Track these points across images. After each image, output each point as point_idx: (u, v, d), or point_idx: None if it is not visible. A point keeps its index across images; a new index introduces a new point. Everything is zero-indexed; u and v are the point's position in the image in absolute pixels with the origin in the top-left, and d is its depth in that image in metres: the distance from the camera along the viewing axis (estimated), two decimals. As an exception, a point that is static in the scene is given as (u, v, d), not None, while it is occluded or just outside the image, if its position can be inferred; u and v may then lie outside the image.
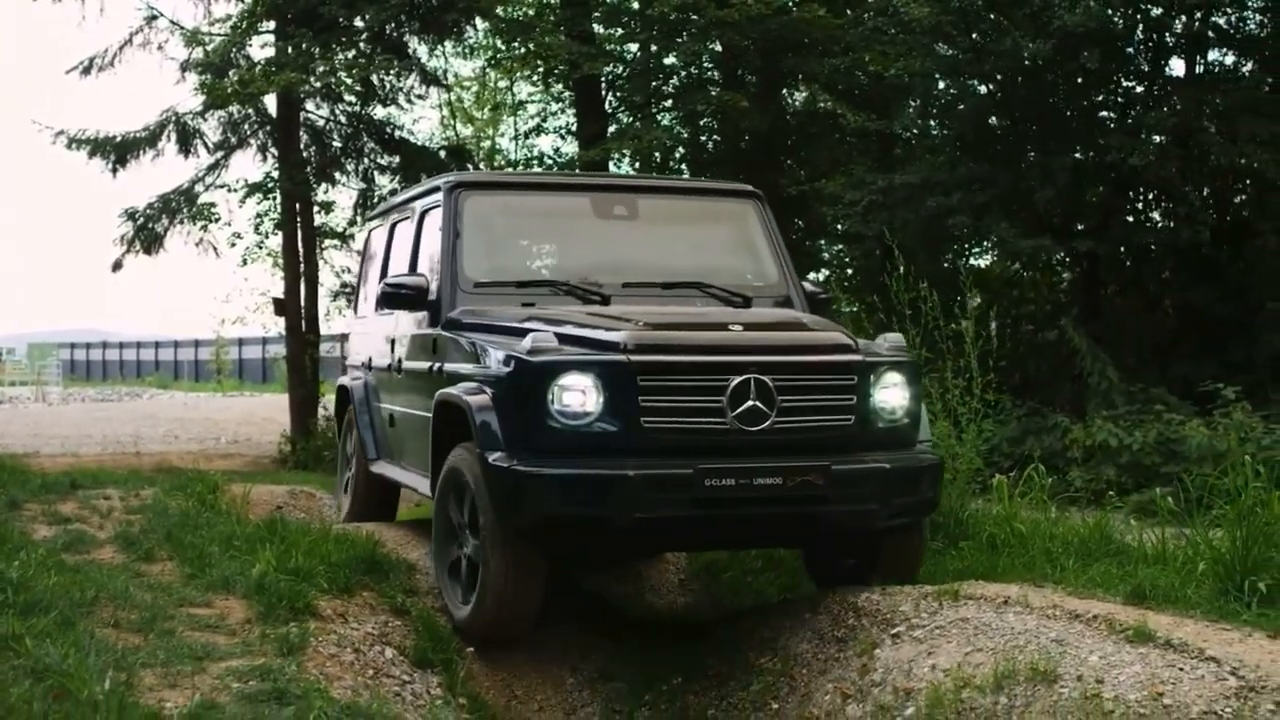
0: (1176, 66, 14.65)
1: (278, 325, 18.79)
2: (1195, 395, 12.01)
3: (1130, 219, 14.21)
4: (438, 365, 6.91)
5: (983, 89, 14.35)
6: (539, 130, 20.58)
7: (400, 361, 7.80)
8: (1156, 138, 13.41)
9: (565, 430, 5.74)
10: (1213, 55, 14.62)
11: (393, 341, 7.99)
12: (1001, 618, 5.60)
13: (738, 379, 5.83)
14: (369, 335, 8.87)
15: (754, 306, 7.12)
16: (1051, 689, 4.89)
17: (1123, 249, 14.18)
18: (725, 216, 7.82)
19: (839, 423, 6.03)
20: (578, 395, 5.74)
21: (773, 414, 5.86)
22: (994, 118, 14.53)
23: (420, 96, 18.91)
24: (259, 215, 18.39)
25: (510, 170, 9.52)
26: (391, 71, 17.45)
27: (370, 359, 8.72)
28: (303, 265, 17.81)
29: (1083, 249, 13.44)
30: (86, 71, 17.80)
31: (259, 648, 5.27)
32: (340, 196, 19.59)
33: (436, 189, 7.56)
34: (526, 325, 6.23)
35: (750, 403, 5.82)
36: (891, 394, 6.21)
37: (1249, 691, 4.64)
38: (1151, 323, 14.62)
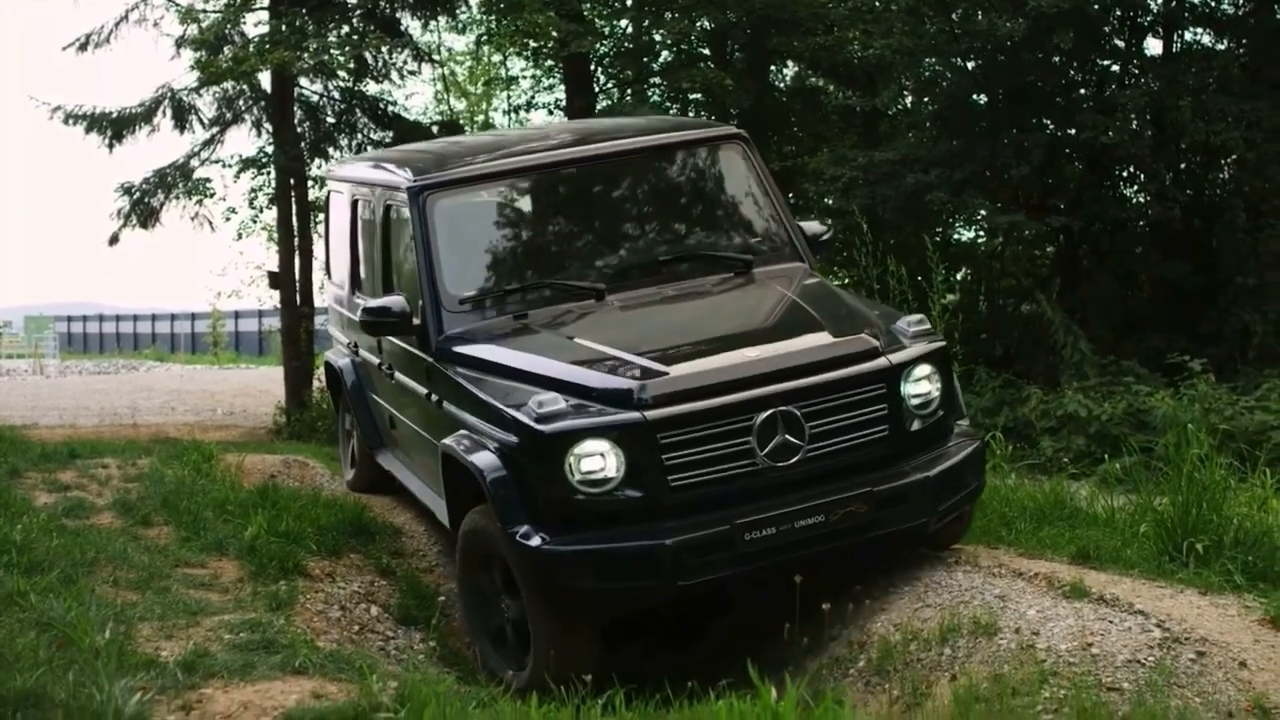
0: (1154, 46, 14.96)
1: (273, 299, 19.09)
2: (1164, 367, 12.35)
3: (1103, 196, 14.51)
4: (436, 397, 6.46)
5: (961, 68, 14.62)
6: (529, 105, 20.84)
7: (392, 369, 7.35)
8: (1131, 116, 13.72)
9: (589, 499, 5.37)
10: (1189, 35, 14.92)
11: (379, 341, 7.49)
12: (951, 575, 5.93)
13: (763, 415, 5.48)
14: (351, 319, 8.22)
15: (756, 268, 6.73)
16: (991, 640, 5.21)
17: (1097, 225, 14.48)
18: (711, 165, 7.28)
19: (875, 436, 5.68)
20: (597, 461, 5.36)
21: (804, 444, 5.52)
22: (973, 96, 14.81)
23: (413, 72, 19.12)
24: (253, 190, 18.67)
25: (472, 141, 8.90)
26: (384, 48, 17.71)
27: (356, 345, 8.30)
28: (297, 239, 18.08)
29: (1057, 225, 13.75)
30: (83, 48, 17.99)
31: (250, 604, 5.61)
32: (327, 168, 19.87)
33: (398, 188, 6.95)
34: (529, 369, 5.84)
35: (780, 437, 5.49)
36: (925, 387, 5.86)
37: (1172, 642, 4.98)
38: (1126, 297, 14.95)
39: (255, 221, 18.90)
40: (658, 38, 17.74)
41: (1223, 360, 13.10)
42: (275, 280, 18.44)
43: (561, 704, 3.85)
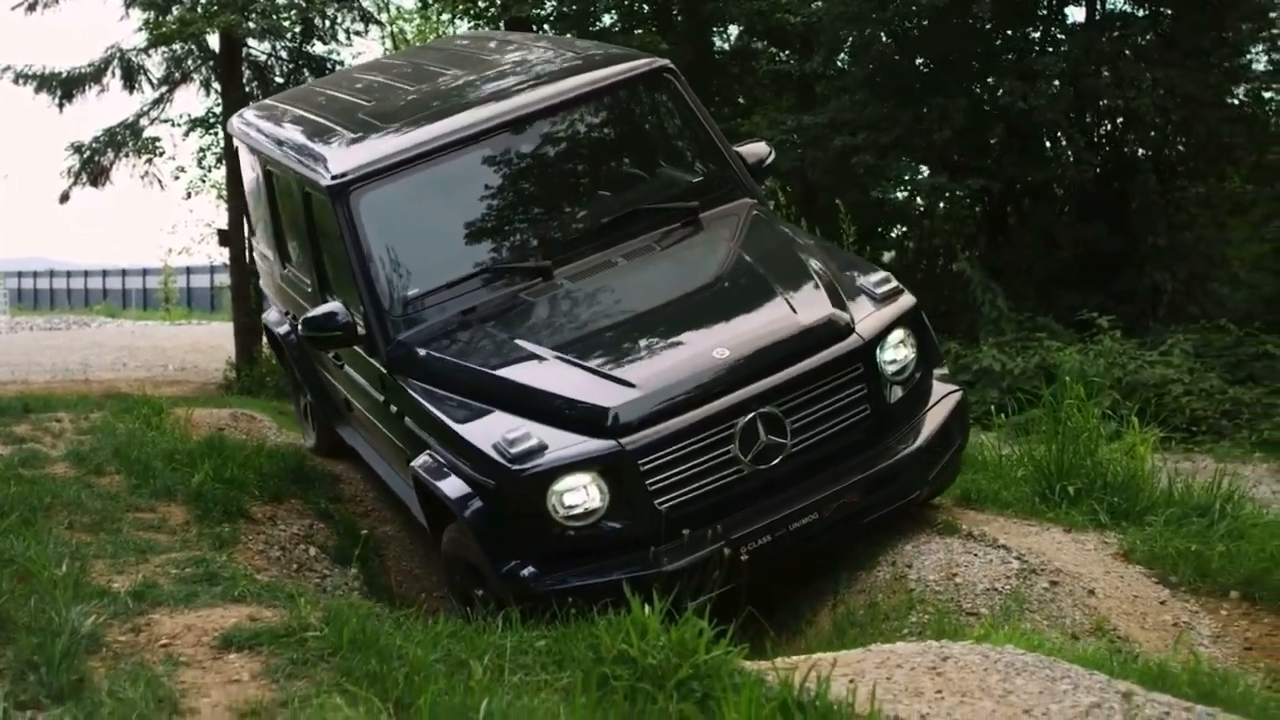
0: (1077, 14, 15.50)
1: (223, 255, 19.44)
2: (1077, 324, 12.97)
3: (1023, 159, 15.08)
4: (395, 408, 6.19)
5: (890, 33, 15.13)
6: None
7: (340, 360, 7.03)
8: (1055, 83, 14.27)
9: (574, 531, 5.18)
10: (1110, 3, 15.48)
11: None
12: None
13: (743, 420, 5.32)
14: (284, 290, 8.02)
15: (704, 213, 6.45)
16: (870, 573, 5.76)
17: (1019, 187, 15.07)
18: (643, 104, 6.90)
19: (857, 418, 5.54)
20: (580, 495, 5.18)
21: (788, 441, 5.38)
22: (899, 60, 15.32)
23: (359, 33, 19.47)
24: (202, 150, 18.95)
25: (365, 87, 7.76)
26: (330, 10, 18.03)
27: (294, 316, 7.72)
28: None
29: (976, 186, 14.31)
30: (31, 8, 18.22)
31: (195, 544, 6.07)
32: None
33: (318, 184, 6.43)
34: (489, 386, 5.60)
35: (762, 440, 5.35)
36: (901, 352, 5.71)
37: (1029, 573, 5.54)
38: (1047, 256, 15.55)
39: (204, 180, 19.20)
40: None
41: (1136, 317, 13.76)
42: (224, 238, 18.78)
43: (467, 623, 4.36)
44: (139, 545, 5.85)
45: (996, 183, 14.36)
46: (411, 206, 6.39)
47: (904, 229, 18.42)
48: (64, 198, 18.66)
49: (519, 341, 5.82)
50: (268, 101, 9.64)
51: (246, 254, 18.45)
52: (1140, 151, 14.94)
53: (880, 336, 5.62)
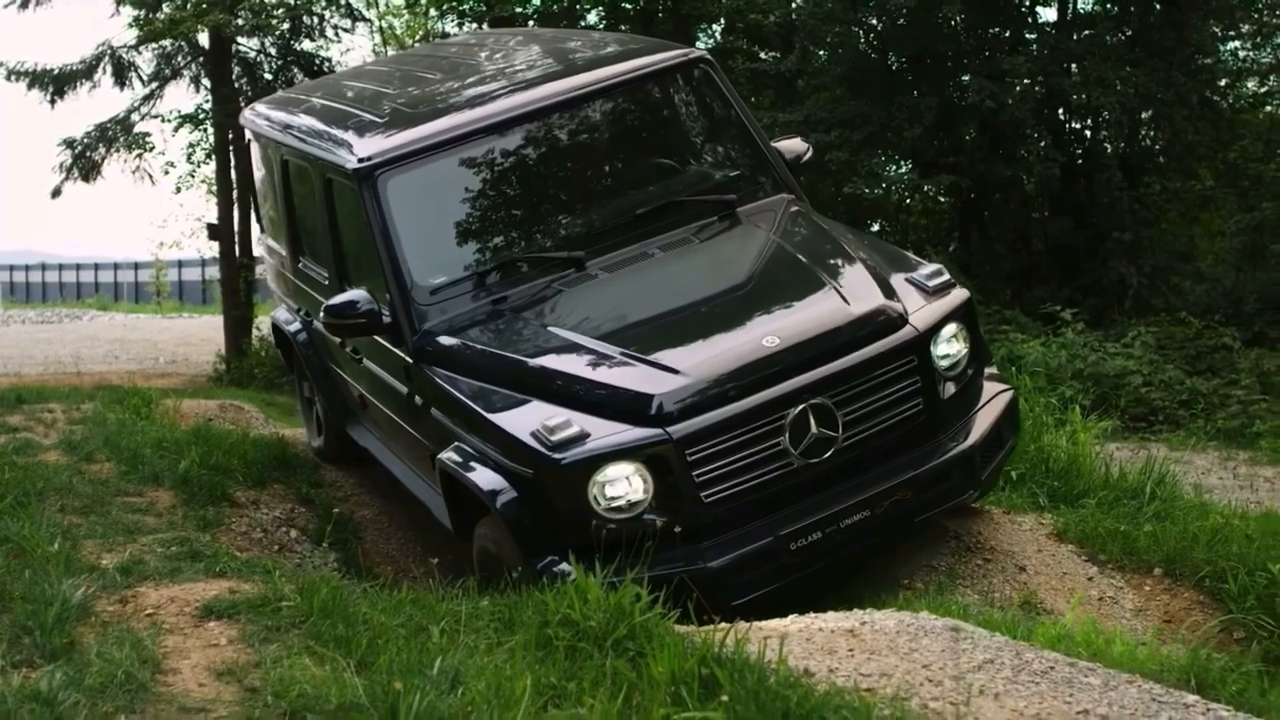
0: (1049, 14, 15.88)
1: (213, 249, 19.79)
2: (1042, 316, 13.36)
3: (993, 156, 15.45)
4: (420, 400, 5.96)
5: (862, 33, 15.49)
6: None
7: (359, 354, 6.79)
8: (1025, 81, 14.66)
9: (617, 525, 4.95)
10: (1083, 2, 15.86)
11: None
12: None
13: (794, 411, 5.09)
14: (297, 285, 7.78)
15: (741, 207, 6.25)
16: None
17: (990, 183, 15.44)
18: (678, 96, 6.69)
19: (911, 412, 5.33)
20: (623, 486, 4.96)
21: (839, 435, 5.15)
22: (873, 59, 15.69)
23: (347, 30, 19.83)
24: (191, 145, 19.30)
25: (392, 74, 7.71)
26: (318, 8, 18.39)
27: (306, 312, 7.72)
28: (236, 192, 18.76)
29: (946, 183, 14.68)
30: (24, 6, 18.54)
31: (181, 525, 6.40)
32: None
33: (342, 167, 6.26)
34: (525, 374, 5.41)
35: (813, 433, 5.12)
36: (955, 347, 5.51)
37: (964, 550, 5.91)
38: (1018, 250, 15.94)
39: (194, 176, 19.56)
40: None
41: (1103, 310, 14.15)
42: (214, 232, 19.16)
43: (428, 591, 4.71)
44: (127, 526, 6.17)
45: (967, 179, 14.74)
46: (441, 193, 6.22)
47: (880, 225, 18.79)
48: (56, 192, 19.02)
49: (555, 329, 5.64)
50: (284, 93, 9.51)
51: (237, 248, 18.84)
52: (1107, 149, 15.32)
53: (935, 329, 5.41)
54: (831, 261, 5.78)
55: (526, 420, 5.13)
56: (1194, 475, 9.17)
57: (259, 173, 8.38)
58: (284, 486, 7.67)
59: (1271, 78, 15.94)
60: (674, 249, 6.07)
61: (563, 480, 4.96)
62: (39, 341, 25.97)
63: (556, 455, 4.95)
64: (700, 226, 6.21)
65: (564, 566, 4.82)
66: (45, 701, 3.46)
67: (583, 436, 4.97)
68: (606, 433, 5.01)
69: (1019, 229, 16.01)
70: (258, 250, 20.18)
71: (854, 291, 5.47)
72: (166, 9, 17.79)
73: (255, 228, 19.77)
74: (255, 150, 8.37)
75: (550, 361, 5.44)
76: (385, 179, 6.00)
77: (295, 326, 8.02)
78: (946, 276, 5.69)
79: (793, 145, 6.65)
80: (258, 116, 8.18)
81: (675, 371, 5.13)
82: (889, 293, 5.51)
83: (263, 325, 19.10)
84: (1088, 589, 5.79)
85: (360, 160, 6.09)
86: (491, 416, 5.31)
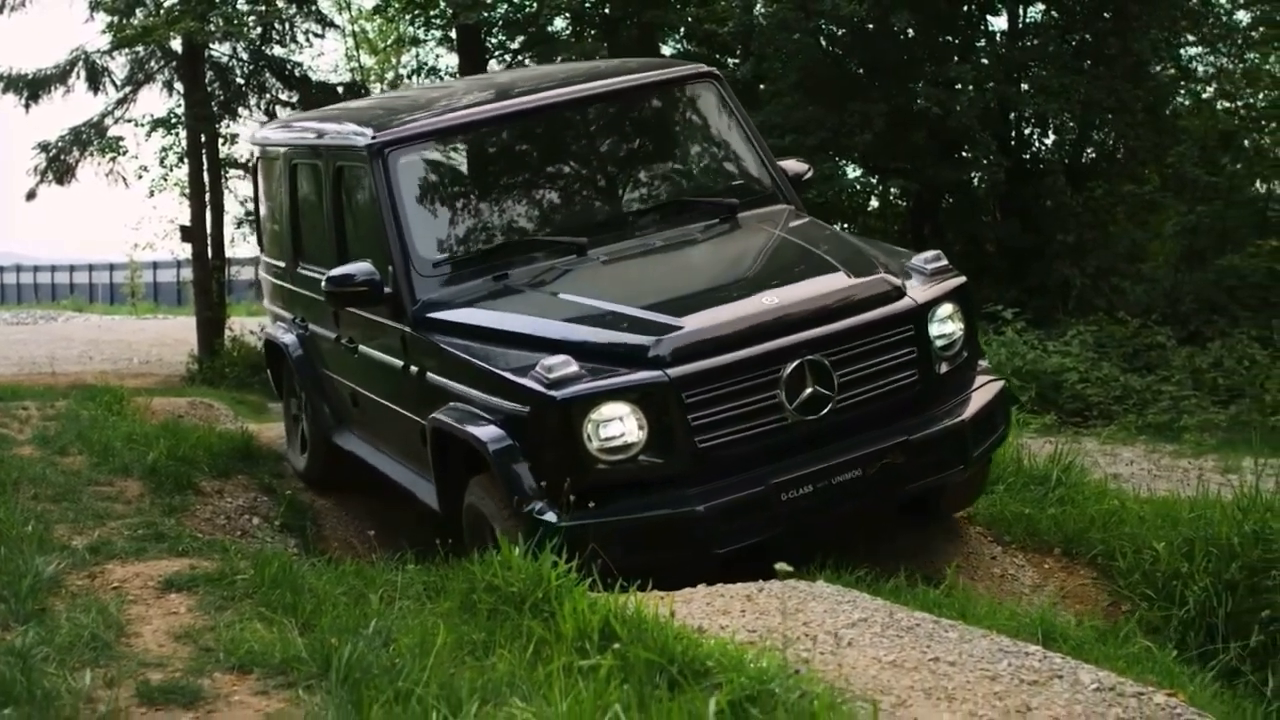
0: (999, 23, 16.41)
1: (187, 251, 20.19)
2: (986, 316, 13.85)
3: (941, 161, 15.97)
4: (414, 369, 6.09)
5: (815, 41, 15.99)
6: (431, 70, 21.92)
7: (354, 342, 6.93)
8: (970, 89, 15.18)
9: (609, 466, 5.06)
10: (1032, 11, 16.39)
11: (336, 313, 7.06)
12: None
13: (791, 365, 5.20)
14: (295, 291, 7.92)
15: (741, 213, 6.43)
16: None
17: (939, 187, 15.97)
18: (686, 106, 6.95)
19: (906, 381, 5.46)
20: (617, 425, 5.04)
21: (834, 394, 5.26)
22: (826, 66, 16.18)
23: (318, 35, 20.25)
24: (164, 149, 19.66)
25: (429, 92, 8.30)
26: (289, 14, 18.80)
27: (303, 318, 7.86)
28: (208, 195, 19.15)
29: (896, 187, 15.20)
30: (-1, 11, 18.91)
31: (149, 512, 6.80)
32: (244, 129, 20.91)
33: (354, 148, 6.53)
34: (526, 331, 5.56)
35: (809, 389, 5.23)
36: (950, 327, 5.64)
37: (877, 532, 6.34)
38: (969, 252, 16.45)
39: (166, 179, 19.92)
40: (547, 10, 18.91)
41: (1048, 310, 14.67)
42: (187, 234, 19.55)
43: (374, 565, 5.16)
44: (97, 512, 6.57)
45: (916, 184, 15.25)
46: (448, 176, 6.53)
47: (839, 226, 19.31)
48: (31, 195, 19.38)
49: (555, 295, 5.83)
50: (293, 114, 9.80)
51: (209, 250, 19.24)
52: (1054, 154, 15.86)
53: (932, 304, 5.57)
54: (833, 247, 6.00)
55: (525, 364, 5.26)
56: (1118, 466, 9.64)
57: (263, 188, 8.59)
58: (248, 477, 8.08)
59: (1212, 84, 16.48)
60: (676, 241, 6.32)
61: (557, 417, 5.04)
62: (14, 342, 26.19)
63: (553, 392, 5.04)
64: (704, 226, 6.44)
65: (550, 516, 5.00)
66: (19, 654, 3.88)
67: (580, 376, 5.07)
68: (606, 374, 5.14)
69: (970, 232, 16.53)
70: (232, 252, 20.71)
71: (855, 267, 5.68)
72: (140, 15, 18.16)
73: (228, 231, 20.26)
74: (261, 170, 8.61)
75: (550, 316, 5.63)
76: (395, 156, 6.27)
77: (289, 337, 8.10)
78: (945, 262, 5.88)
79: (794, 166, 6.89)
80: (268, 132, 8.64)
81: (676, 324, 5.28)
82: (889, 271, 5.72)
83: (235, 325, 19.55)
84: (991, 567, 6.25)
85: (373, 137, 6.38)
86: (489, 365, 5.48)
